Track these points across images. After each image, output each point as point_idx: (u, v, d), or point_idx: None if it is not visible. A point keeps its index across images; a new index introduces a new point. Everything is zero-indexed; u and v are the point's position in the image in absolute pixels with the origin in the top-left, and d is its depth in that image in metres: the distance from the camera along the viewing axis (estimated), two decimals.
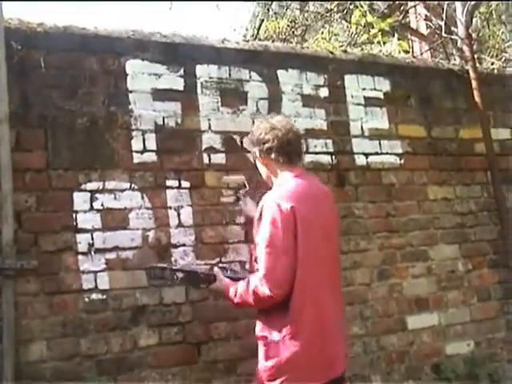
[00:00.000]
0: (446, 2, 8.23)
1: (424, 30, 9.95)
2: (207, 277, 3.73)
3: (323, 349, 3.36)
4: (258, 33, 10.84)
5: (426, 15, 9.61)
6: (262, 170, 3.74)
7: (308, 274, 3.33)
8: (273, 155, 3.57)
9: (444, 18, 6.56)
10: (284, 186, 3.48)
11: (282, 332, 3.32)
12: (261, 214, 3.41)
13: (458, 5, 8.43)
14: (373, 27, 6.51)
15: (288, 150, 3.56)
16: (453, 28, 8.51)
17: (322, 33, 6.42)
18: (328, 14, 9.36)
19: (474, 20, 8.28)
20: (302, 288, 3.30)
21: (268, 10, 11.36)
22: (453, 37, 6.47)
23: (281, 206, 3.32)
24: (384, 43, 6.30)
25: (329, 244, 3.54)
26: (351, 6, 7.68)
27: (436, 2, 9.25)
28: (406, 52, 6.49)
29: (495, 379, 5.31)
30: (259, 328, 3.48)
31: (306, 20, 10.28)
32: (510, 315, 5.67)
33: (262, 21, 11.73)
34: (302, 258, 3.31)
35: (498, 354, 5.52)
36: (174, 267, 3.93)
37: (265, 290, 3.28)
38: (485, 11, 8.98)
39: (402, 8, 9.61)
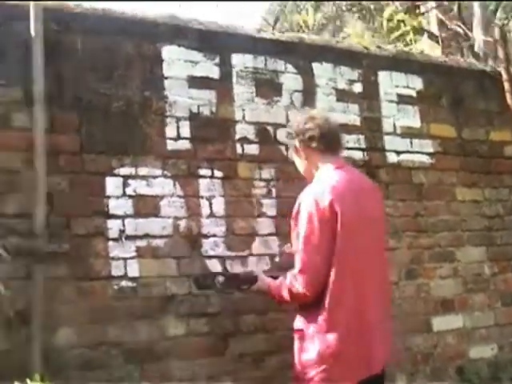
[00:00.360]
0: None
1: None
2: (248, 278, 3.71)
3: (361, 345, 3.28)
4: (275, 24, 10.81)
5: (440, 19, 9.61)
6: (302, 163, 3.65)
7: (348, 269, 3.27)
8: (314, 144, 3.50)
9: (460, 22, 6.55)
10: (324, 180, 3.40)
11: (317, 325, 3.28)
12: (298, 211, 3.36)
13: (477, 8, 8.48)
14: (404, 25, 6.44)
15: (329, 138, 3.51)
16: (475, 31, 8.56)
17: (355, 27, 6.34)
18: (360, 10, 9.34)
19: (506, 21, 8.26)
20: (340, 283, 3.25)
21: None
22: (486, 38, 6.39)
23: (318, 202, 3.25)
24: (414, 42, 6.23)
25: (374, 239, 3.48)
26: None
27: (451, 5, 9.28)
28: (445, 53, 6.41)
29: None
30: (297, 321, 3.44)
31: (338, 14, 10.27)
32: None
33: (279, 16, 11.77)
34: (342, 253, 3.25)
35: None
36: (215, 272, 3.92)
37: (298, 288, 3.29)
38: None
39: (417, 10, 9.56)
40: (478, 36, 8.64)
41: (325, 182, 3.37)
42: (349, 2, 11.24)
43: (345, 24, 11.89)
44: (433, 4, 9.89)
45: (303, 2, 11.94)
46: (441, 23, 9.52)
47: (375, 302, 3.40)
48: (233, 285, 3.84)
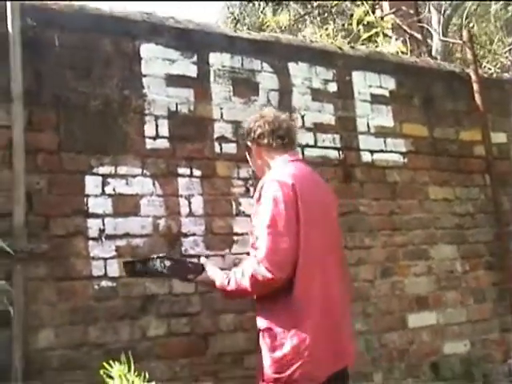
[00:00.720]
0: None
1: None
2: (196, 266, 3.48)
3: (331, 338, 3.19)
4: (236, 25, 10.84)
5: (398, 24, 9.72)
6: (255, 162, 3.59)
7: (312, 258, 3.15)
8: (265, 140, 3.45)
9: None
10: (282, 168, 3.33)
11: (287, 321, 3.13)
12: (260, 195, 3.24)
13: (434, 14, 8.62)
14: (372, 27, 6.51)
15: (280, 134, 3.44)
16: (434, 35, 8.69)
17: (327, 29, 6.38)
18: (329, 11, 9.43)
19: (471, 24, 8.42)
20: (307, 274, 3.13)
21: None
22: (455, 41, 6.49)
23: (282, 183, 3.16)
24: (384, 43, 6.30)
25: (331, 227, 3.39)
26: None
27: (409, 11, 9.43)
28: (403, 53, 6.49)
29: (489, 380, 5.32)
30: (262, 320, 3.26)
31: (308, 15, 10.36)
32: (503, 317, 5.69)
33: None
34: (305, 240, 3.13)
35: (492, 355, 5.53)
36: (159, 256, 3.47)
37: (265, 273, 3.06)
38: (482, 14, 9.10)
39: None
40: (436, 40, 8.80)
41: (284, 169, 3.31)
42: (309, 6, 11.35)
43: (303, 28, 11.95)
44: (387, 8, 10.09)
45: (261, 6, 12.04)
46: (398, 27, 9.66)
47: (339, 294, 3.31)
48: (179, 271, 3.50)
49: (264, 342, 3.24)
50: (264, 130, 3.46)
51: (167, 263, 3.41)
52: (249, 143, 3.59)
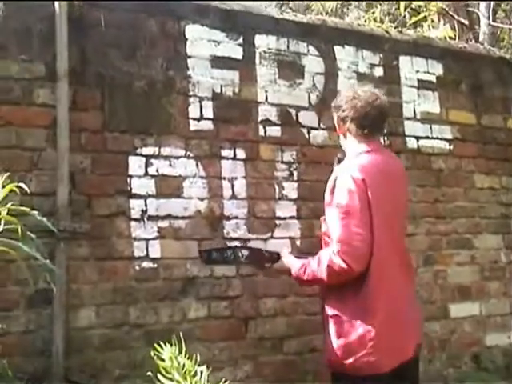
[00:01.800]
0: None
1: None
2: (271, 255, 3.54)
3: (397, 330, 3.18)
4: (281, 7, 10.76)
5: (445, 9, 9.56)
6: (340, 135, 3.52)
7: (383, 251, 3.13)
8: (348, 124, 3.37)
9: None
10: (356, 160, 3.30)
11: (355, 310, 3.14)
12: (334, 186, 3.22)
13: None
14: (419, 12, 6.40)
15: (364, 123, 3.34)
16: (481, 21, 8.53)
17: (374, 13, 6.29)
18: None
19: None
20: (378, 266, 3.12)
21: None
22: (504, 26, 6.35)
23: (354, 177, 3.14)
24: (431, 28, 6.19)
25: (399, 222, 3.39)
26: None
27: None
28: (451, 39, 6.37)
29: None
30: (330, 306, 3.27)
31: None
32: None
33: None
34: (377, 233, 3.11)
35: None
36: (236, 245, 3.67)
37: (342, 264, 3.07)
38: None
39: None
40: (484, 26, 8.63)
41: (358, 162, 3.26)
42: None
43: (348, 12, 11.82)
44: None
45: None
46: (446, 13, 9.50)
47: (407, 288, 3.35)
48: (256, 260, 3.66)
49: (330, 328, 3.26)
50: (351, 114, 3.36)
51: (245, 252, 3.60)
52: (334, 117, 3.50)
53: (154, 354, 2.08)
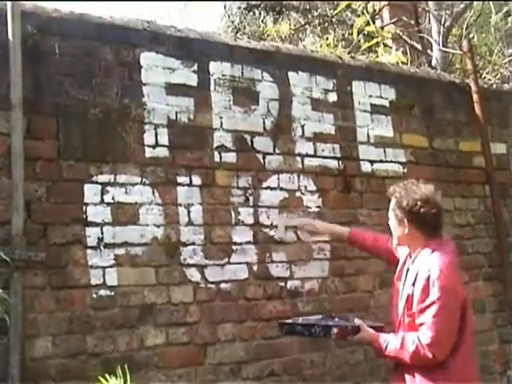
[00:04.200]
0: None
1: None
2: (353, 328, 3.68)
3: None
4: (236, 34, 10.84)
5: (398, 34, 9.73)
6: (400, 231, 3.68)
7: (470, 339, 3.50)
8: (419, 223, 3.56)
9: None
10: (440, 258, 3.47)
11: None
12: (428, 282, 3.41)
13: (434, 25, 8.63)
14: (373, 37, 6.52)
15: (433, 224, 3.58)
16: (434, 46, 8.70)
17: (327, 38, 6.38)
18: (329, 21, 9.46)
19: (471, 35, 8.43)
20: (465, 352, 3.44)
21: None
22: (455, 51, 6.49)
23: (448, 277, 3.38)
24: (384, 53, 6.31)
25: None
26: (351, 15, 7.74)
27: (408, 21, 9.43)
28: (403, 63, 6.49)
29: None
30: (422, 382, 3.47)
31: (308, 24, 10.39)
32: (502, 328, 5.68)
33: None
34: (469, 326, 3.48)
35: (492, 367, 5.51)
36: (324, 323, 3.76)
37: (428, 356, 3.37)
38: (482, 25, 9.12)
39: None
40: (436, 51, 8.80)
41: (441, 260, 3.46)
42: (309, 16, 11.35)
43: (303, 38, 11.95)
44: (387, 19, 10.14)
45: (262, 15, 12.05)
46: (398, 38, 9.66)
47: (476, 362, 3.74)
48: (341, 336, 3.75)
49: None
50: (422, 215, 3.54)
51: (335, 330, 3.65)
52: (400, 215, 3.64)
53: None
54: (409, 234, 3.61)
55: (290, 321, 4.03)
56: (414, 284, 3.48)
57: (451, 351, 3.39)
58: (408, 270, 3.62)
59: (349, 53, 6.17)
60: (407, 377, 3.51)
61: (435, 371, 3.41)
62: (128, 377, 2.17)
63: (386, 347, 3.53)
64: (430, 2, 8.63)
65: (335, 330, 3.65)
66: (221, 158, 4.54)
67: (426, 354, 3.36)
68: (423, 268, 3.47)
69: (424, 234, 3.57)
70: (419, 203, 3.55)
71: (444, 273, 3.37)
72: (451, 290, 3.36)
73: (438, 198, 3.64)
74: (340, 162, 5.06)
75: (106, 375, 2.11)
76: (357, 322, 3.72)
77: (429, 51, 9.14)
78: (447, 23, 8.55)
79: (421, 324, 3.41)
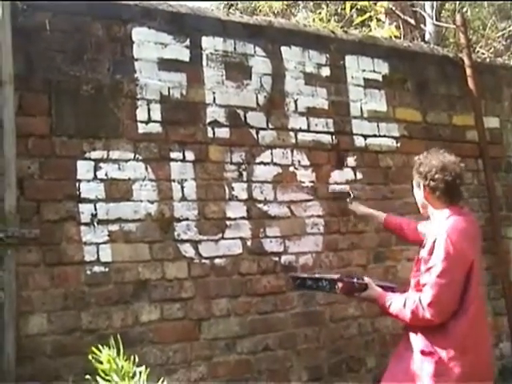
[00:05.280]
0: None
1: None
2: (360, 285, 3.73)
3: (484, 367, 3.54)
4: (229, 9, 10.79)
5: (391, 9, 9.70)
6: (420, 198, 3.76)
7: (475, 306, 3.49)
8: (437, 193, 3.60)
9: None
10: (448, 223, 3.54)
11: (449, 351, 3.43)
12: (433, 246, 3.47)
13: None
14: (366, 12, 6.49)
15: (452, 192, 3.61)
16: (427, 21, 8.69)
17: (320, 13, 6.35)
18: None
19: (464, 9, 8.40)
20: (470, 317, 3.45)
21: None
22: (448, 25, 6.47)
23: (452, 240, 3.43)
24: (377, 27, 6.28)
25: (481, 273, 3.71)
26: None
27: None
28: (396, 38, 6.47)
29: None
30: (423, 343, 3.51)
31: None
32: (496, 301, 5.73)
33: None
34: (473, 291, 3.47)
35: None
36: (330, 277, 3.87)
37: (426, 315, 3.42)
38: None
39: None
40: (429, 25, 8.78)
41: (450, 225, 3.52)
42: None
43: (296, 13, 11.89)
44: None
45: None
46: (391, 12, 9.63)
47: (486, 326, 3.74)
48: (348, 291, 3.83)
49: (428, 365, 3.48)
50: (440, 185, 3.58)
51: (340, 285, 3.73)
52: (421, 183, 3.69)
53: (92, 357, 2.09)
54: (427, 200, 3.67)
55: (301, 275, 4.16)
56: (423, 247, 3.54)
57: (454, 315, 3.42)
58: (425, 235, 3.69)
59: (342, 27, 6.16)
60: (411, 336, 3.57)
61: (436, 334, 3.45)
62: (121, 347, 2.16)
63: (390, 306, 3.59)
64: None
65: (340, 285, 3.73)
66: (214, 133, 4.53)
67: (425, 314, 3.40)
68: (433, 232, 3.53)
69: (440, 200, 3.61)
70: (434, 169, 3.60)
71: (450, 236, 3.42)
72: (455, 254, 3.40)
73: (456, 167, 3.65)
74: (333, 137, 5.05)
75: (100, 346, 2.12)
76: (366, 279, 3.78)
77: (422, 25, 9.14)
78: None
79: (424, 284, 3.46)
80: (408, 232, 4.35)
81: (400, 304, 3.54)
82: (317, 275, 4.07)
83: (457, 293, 3.43)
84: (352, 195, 4.59)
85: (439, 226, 3.54)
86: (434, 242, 3.47)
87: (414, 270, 3.63)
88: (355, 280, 3.80)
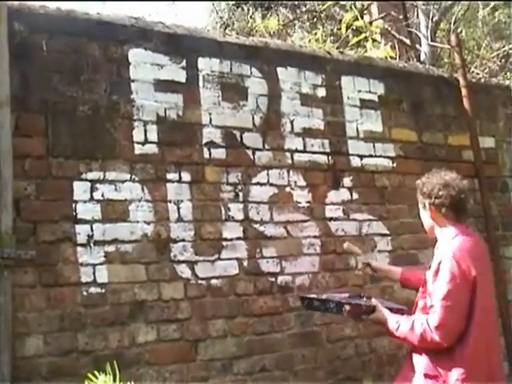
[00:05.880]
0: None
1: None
2: (368, 307, 3.72)
3: None
4: (225, 30, 10.83)
5: (386, 29, 9.74)
6: (427, 220, 3.76)
7: (481, 326, 3.47)
8: (443, 210, 3.61)
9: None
10: (454, 244, 3.53)
11: (453, 375, 3.41)
12: (438, 268, 3.48)
13: (422, 19, 8.66)
14: (361, 32, 6.53)
15: (457, 208, 3.62)
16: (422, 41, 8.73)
17: (316, 34, 6.38)
18: (318, 16, 9.47)
19: (459, 29, 8.45)
20: (476, 340, 3.44)
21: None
22: (443, 45, 6.51)
23: (458, 262, 3.42)
24: (373, 48, 6.32)
25: (492, 296, 3.71)
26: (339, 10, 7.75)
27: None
28: (392, 58, 6.50)
29: None
30: (428, 366, 3.51)
31: (297, 19, 10.38)
32: None
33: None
34: (478, 312, 3.45)
35: None
36: (338, 300, 3.82)
37: (435, 338, 3.41)
38: (470, 20, 9.15)
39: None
40: (424, 45, 8.82)
41: (459, 246, 3.51)
42: (298, 11, 11.35)
43: (292, 33, 11.94)
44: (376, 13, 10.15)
45: (250, 10, 12.03)
46: (387, 32, 9.68)
47: (497, 350, 3.71)
48: (355, 314, 3.82)
49: None
50: (445, 201, 3.60)
51: (347, 308, 3.71)
52: (426, 203, 3.70)
53: None
54: (433, 219, 3.67)
55: (309, 295, 4.12)
56: (429, 268, 3.54)
57: (460, 338, 3.42)
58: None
59: (337, 48, 6.18)
60: (416, 359, 3.56)
61: (442, 357, 3.45)
62: (117, 373, 2.14)
63: (398, 328, 3.58)
64: None
65: (347, 308, 3.70)
66: (210, 154, 4.54)
67: (433, 336, 3.39)
68: (439, 253, 3.54)
69: (447, 217, 3.61)
70: (438, 187, 3.62)
71: (455, 257, 3.42)
72: (460, 275, 3.39)
73: (459, 183, 3.67)
74: (329, 157, 5.07)
75: (96, 372, 2.09)
76: (373, 301, 3.77)
77: (417, 46, 9.16)
78: (435, 18, 8.56)
79: (431, 307, 3.45)
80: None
81: (408, 327, 3.53)
82: (324, 296, 4.02)
83: (463, 314, 3.42)
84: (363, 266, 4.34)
85: (445, 247, 3.54)
86: (440, 263, 3.47)
87: (421, 292, 3.61)
88: (363, 302, 3.79)
